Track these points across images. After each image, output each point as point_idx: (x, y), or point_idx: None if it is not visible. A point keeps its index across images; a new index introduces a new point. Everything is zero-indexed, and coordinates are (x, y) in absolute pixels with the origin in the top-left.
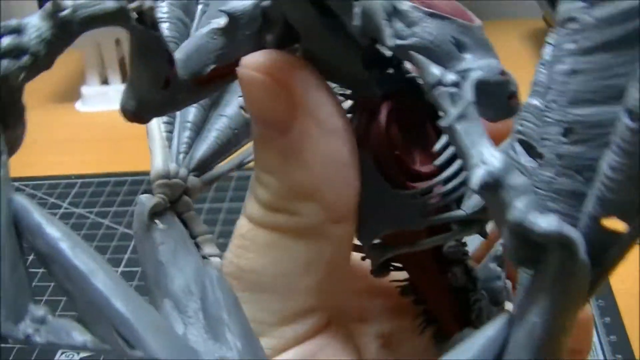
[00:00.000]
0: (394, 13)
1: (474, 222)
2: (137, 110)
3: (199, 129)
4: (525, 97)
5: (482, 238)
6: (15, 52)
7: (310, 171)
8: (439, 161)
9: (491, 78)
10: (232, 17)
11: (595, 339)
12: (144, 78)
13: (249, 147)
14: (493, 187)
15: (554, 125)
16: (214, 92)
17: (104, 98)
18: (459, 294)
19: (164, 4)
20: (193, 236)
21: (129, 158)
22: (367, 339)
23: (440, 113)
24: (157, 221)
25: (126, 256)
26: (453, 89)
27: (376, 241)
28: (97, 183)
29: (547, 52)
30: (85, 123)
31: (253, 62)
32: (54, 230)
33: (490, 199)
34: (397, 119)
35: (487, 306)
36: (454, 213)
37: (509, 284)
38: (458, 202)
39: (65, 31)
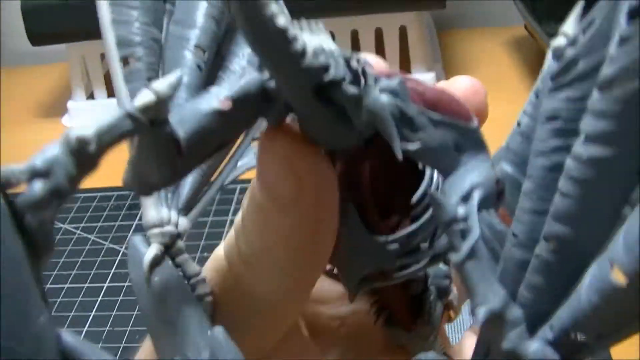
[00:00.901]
0: (401, 119)
1: (440, 256)
2: (143, 190)
3: None
4: (505, 103)
5: None
6: (49, 199)
7: (284, 251)
8: (415, 212)
9: (489, 193)
10: (237, 101)
11: None
12: (151, 169)
13: (225, 165)
14: (495, 321)
15: (530, 214)
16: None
17: (91, 113)
18: (414, 296)
19: (136, 25)
20: (186, 277)
21: (115, 173)
22: (325, 320)
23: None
24: (156, 272)
25: (112, 271)
26: (463, 225)
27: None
28: (83, 198)
29: (524, 122)
30: None
31: (273, 145)
32: None
33: (491, 329)
34: (378, 166)
35: (435, 300)
36: (425, 252)
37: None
38: (430, 242)
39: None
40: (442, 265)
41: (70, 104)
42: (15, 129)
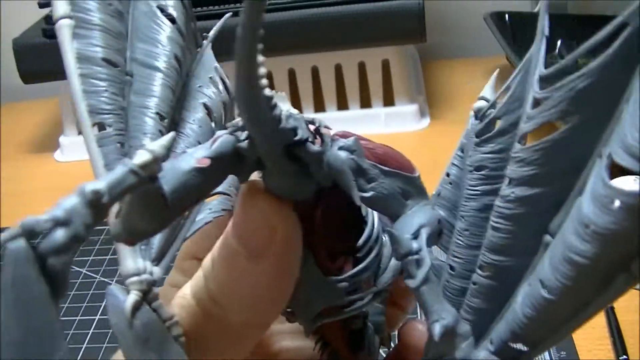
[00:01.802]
0: (358, 171)
1: (382, 292)
2: (131, 239)
3: None
4: None
5: None
6: (69, 244)
7: (252, 294)
8: (360, 254)
9: (434, 230)
10: (214, 160)
11: None
12: (141, 219)
13: (188, 223)
14: (448, 335)
15: (465, 249)
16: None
17: (83, 147)
18: (354, 332)
19: (106, 95)
20: (162, 320)
21: None
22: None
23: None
24: (137, 316)
25: (103, 304)
26: (417, 256)
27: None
28: None
29: (452, 172)
30: (64, 172)
31: (253, 201)
32: None
33: (445, 341)
34: (327, 214)
35: (372, 335)
36: (369, 289)
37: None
38: (373, 280)
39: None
40: (377, 303)
41: (62, 139)
42: (8, 165)
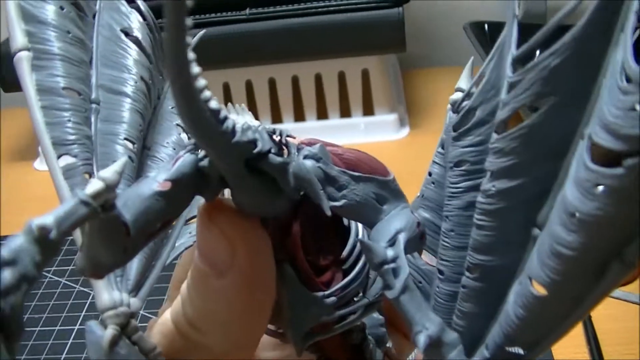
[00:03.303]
0: (326, 180)
1: (374, 304)
2: (96, 273)
3: None
4: None
5: None
6: (18, 285)
7: (226, 313)
8: (346, 266)
9: (412, 235)
10: (175, 182)
11: None
12: (103, 251)
13: (167, 249)
14: (435, 346)
15: (452, 250)
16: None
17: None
18: (355, 346)
19: (69, 125)
20: (144, 353)
21: None
22: None
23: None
24: (115, 352)
25: (82, 314)
26: (393, 264)
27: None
28: None
29: (434, 171)
30: (44, 181)
31: (209, 218)
32: None
33: (431, 352)
34: (307, 227)
35: (374, 348)
36: (360, 302)
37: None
38: (363, 292)
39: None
40: (376, 315)
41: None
42: None
